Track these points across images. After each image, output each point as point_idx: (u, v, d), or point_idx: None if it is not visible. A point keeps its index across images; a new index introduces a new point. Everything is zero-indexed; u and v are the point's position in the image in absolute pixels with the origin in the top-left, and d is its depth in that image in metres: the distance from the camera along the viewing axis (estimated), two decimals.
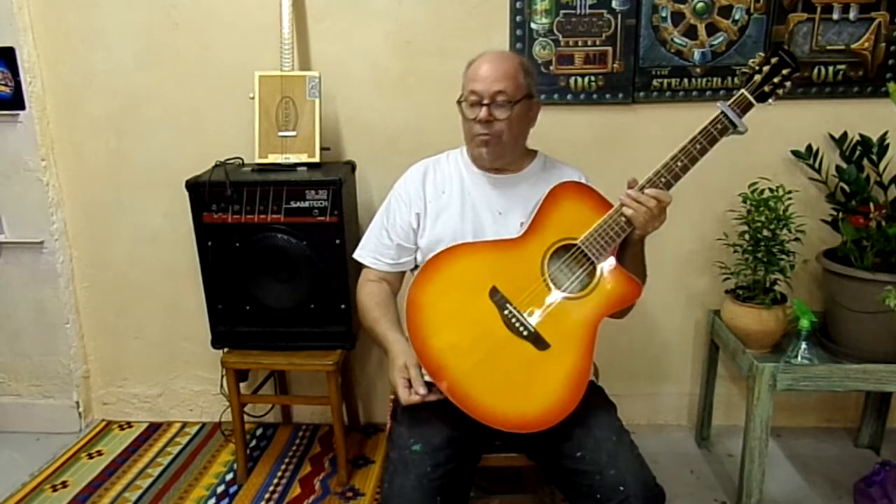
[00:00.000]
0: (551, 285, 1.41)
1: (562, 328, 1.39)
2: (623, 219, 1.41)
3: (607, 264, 1.43)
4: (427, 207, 1.59)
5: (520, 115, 1.51)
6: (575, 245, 1.42)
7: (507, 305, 1.39)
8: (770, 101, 1.44)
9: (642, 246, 1.51)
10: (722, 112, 1.41)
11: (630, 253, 1.48)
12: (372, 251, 1.64)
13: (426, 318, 1.37)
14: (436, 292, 1.40)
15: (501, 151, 1.53)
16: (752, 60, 1.45)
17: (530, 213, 1.48)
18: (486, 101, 1.48)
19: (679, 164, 1.41)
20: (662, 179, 1.41)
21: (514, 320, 1.38)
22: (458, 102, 1.54)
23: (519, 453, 1.56)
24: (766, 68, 1.42)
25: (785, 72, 1.42)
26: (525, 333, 1.37)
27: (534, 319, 1.39)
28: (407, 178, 1.64)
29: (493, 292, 1.39)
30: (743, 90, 1.43)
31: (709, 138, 1.41)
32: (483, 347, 1.36)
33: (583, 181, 1.60)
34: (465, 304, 1.39)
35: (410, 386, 1.37)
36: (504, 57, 1.53)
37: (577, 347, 1.38)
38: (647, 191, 1.40)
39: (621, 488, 1.29)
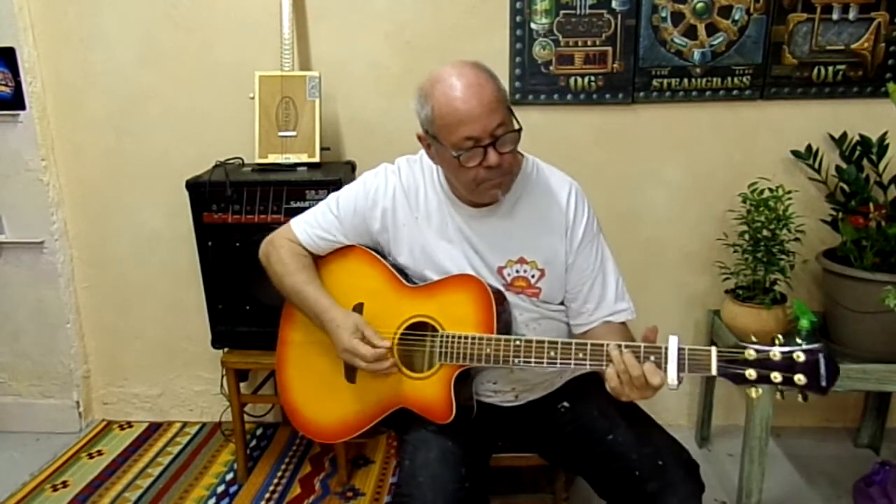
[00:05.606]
0: (396, 342, 1.37)
1: (374, 380, 1.39)
2: (491, 353, 1.27)
3: (445, 372, 1.32)
4: (394, 230, 1.44)
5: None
6: (439, 333, 1.32)
7: None
8: (750, 388, 1.15)
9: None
10: (665, 347, 1.15)
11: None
12: (312, 226, 1.48)
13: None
14: (326, 266, 1.50)
15: (511, 183, 1.35)
16: (770, 349, 1.08)
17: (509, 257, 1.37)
18: (486, 142, 1.22)
19: (551, 354, 1.24)
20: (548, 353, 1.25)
21: None
22: (452, 157, 1.24)
23: (531, 453, 1.55)
24: (776, 355, 1.09)
25: (799, 380, 1.08)
26: None
27: None
28: (379, 188, 1.46)
29: (358, 308, 1.43)
30: (713, 349, 1.17)
31: (599, 358, 1.19)
32: (314, 342, 1.46)
33: (573, 193, 1.40)
34: (333, 294, 1.44)
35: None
36: (478, 78, 1.24)
37: (371, 406, 1.42)
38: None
39: (660, 463, 1.28)
